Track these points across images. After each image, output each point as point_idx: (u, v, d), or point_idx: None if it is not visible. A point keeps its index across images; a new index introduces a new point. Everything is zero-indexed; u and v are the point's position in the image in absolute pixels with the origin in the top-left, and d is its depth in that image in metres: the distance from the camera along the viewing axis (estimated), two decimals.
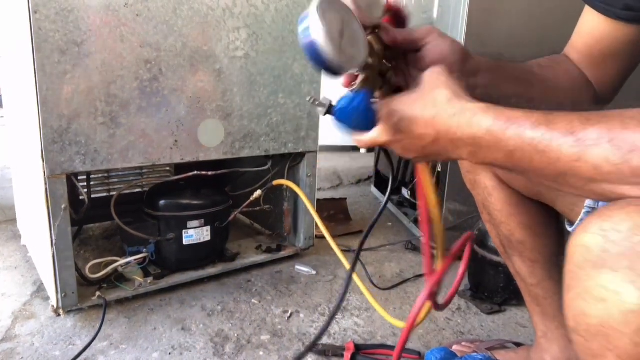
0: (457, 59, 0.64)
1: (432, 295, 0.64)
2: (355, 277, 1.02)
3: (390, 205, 2.08)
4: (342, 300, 0.61)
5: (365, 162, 3.03)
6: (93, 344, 1.06)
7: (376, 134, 0.59)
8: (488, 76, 0.70)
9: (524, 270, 0.91)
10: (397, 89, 0.62)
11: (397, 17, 0.66)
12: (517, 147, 0.48)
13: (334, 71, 0.55)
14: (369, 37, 0.60)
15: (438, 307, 0.66)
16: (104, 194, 1.51)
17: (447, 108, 0.53)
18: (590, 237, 0.45)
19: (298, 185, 1.45)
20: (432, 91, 0.55)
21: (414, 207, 1.91)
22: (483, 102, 0.52)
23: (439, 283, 0.65)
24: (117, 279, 1.27)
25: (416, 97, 0.56)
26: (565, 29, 0.80)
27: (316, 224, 1.56)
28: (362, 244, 0.70)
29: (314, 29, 0.52)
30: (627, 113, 0.43)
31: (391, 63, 0.63)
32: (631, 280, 0.41)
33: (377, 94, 0.62)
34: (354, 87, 0.59)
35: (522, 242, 0.89)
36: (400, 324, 0.83)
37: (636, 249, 0.41)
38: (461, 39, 1.40)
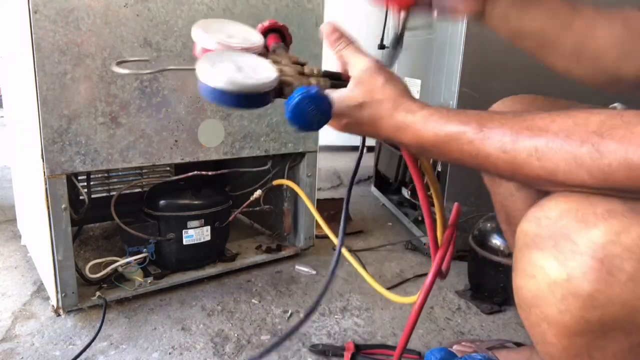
0: None
1: (440, 272, 0.68)
2: (364, 273, 1.02)
3: (390, 205, 2.08)
4: (323, 294, 0.61)
5: (365, 162, 3.03)
6: (93, 344, 1.07)
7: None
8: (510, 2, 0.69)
9: None
10: (331, 77, 0.62)
11: (280, 32, 0.67)
12: (460, 158, 0.54)
13: (258, 100, 0.56)
14: (269, 58, 0.61)
15: (443, 276, 0.71)
16: (104, 194, 1.51)
17: (391, 120, 0.56)
18: (527, 224, 0.52)
19: (298, 185, 1.45)
20: (375, 93, 0.57)
21: (414, 207, 1.91)
22: (425, 110, 0.55)
23: (444, 257, 0.68)
24: (117, 279, 1.27)
25: (359, 99, 0.57)
26: None
27: (316, 224, 1.56)
28: (340, 243, 0.69)
29: (208, 79, 0.52)
30: (552, 126, 0.48)
31: (301, 63, 0.63)
32: (554, 256, 0.48)
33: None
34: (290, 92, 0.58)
35: None
36: (409, 300, 0.83)
37: (560, 231, 0.48)
38: (460, 40, 1.40)
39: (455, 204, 0.75)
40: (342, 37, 0.61)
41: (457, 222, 0.72)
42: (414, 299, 0.73)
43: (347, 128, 0.59)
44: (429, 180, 0.71)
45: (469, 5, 0.71)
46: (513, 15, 0.69)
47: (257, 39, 0.63)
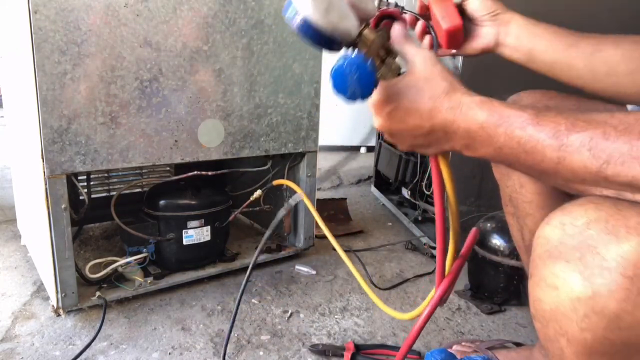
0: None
1: (443, 300, 0.66)
2: (357, 275, 1.01)
3: (390, 205, 2.08)
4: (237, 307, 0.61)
5: (365, 162, 3.03)
6: (93, 344, 1.07)
7: (373, 118, 0.59)
8: (522, 28, 0.75)
9: None
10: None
11: (395, 20, 0.65)
12: (505, 144, 0.50)
13: (329, 43, 0.54)
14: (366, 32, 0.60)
15: (443, 302, 0.68)
16: (104, 194, 1.51)
17: (444, 101, 0.54)
18: (551, 230, 0.48)
19: (298, 185, 1.45)
20: (429, 82, 0.55)
21: (414, 207, 1.91)
22: (478, 96, 0.53)
23: (451, 287, 0.66)
24: (117, 279, 1.27)
25: (412, 86, 0.55)
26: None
27: (316, 224, 1.56)
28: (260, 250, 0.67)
29: (300, 5, 0.52)
30: (611, 120, 0.45)
31: (391, 52, 0.62)
32: (580, 270, 0.45)
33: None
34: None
35: None
36: (404, 317, 0.82)
37: (587, 242, 0.45)
38: None
39: (474, 229, 0.70)
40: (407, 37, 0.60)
41: (469, 252, 0.68)
42: (415, 314, 0.74)
43: (389, 118, 0.56)
44: (450, 200, 0.64)
45: (483, 44, 0.79)
46: (524, 45, 0.76)
47: (371, 7, 0.62)
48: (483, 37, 0.78)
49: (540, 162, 0.48)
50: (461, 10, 0.78)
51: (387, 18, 0.65)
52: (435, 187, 0.63)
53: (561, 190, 0.86)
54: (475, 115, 0.52)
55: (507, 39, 0.77)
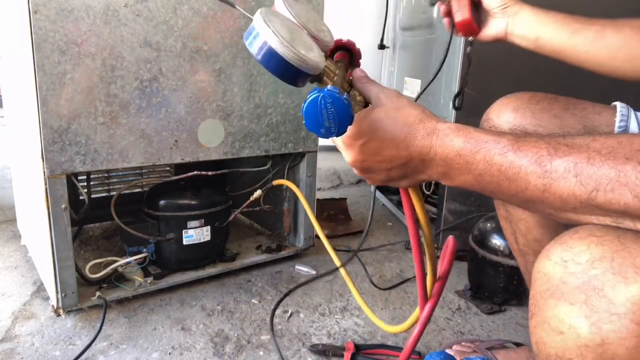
0: None
1: (429, 319, 0.66)
2: (347, 279, 1.01)
3: (390, 205, 2.08)
4: None
5: None
6: (93, 344, 1.06)
7: (343, 154, 0.57)
8: (529, 19, 0.82)
9: None
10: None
11: (350, 53, 0.67)
12: (485, 171, 0.49)
13: (295, 76, 0.52)
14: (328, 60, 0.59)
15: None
16: (104, 194, 1.51)
17: (419, 128, 0.53)
18: (551, 266, 0.45)
19: (298, 185, 1.45)
20: (400, 110, 0.54)
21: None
22: (453, 123, 0.52)
23: (434, 306, 0.66)
24: (117, 279, 1.27)
25: (384, 116, 0.54)
26: None
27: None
28: None
29: (264, 33, 0.50)
30: (594, 144, 0.44)
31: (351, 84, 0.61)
32: (586, 314, 0.41)
33: None
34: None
35: (539, 240, 0.88)
36: (390, 329, 0.85)
37: (592, 283, 0.41)
38: (460, 40, 1.40)
39: (449, 239, 0.66)
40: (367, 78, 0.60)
41: (449, 270, 0.65)
42: (401, 329, 0.76)
43: (363, 151, 0.55)
44: (423, 228, 0.64)
45: (495, 33, 0.88)
46: (531, 33, 0.83)
47: (329, 38, 0.62)
48: (495, 27, 0.87)
49: (525, 189, 0.47)
50: (476, 2, 0.87)
51: (342, 49, 0.66)
52: (407, 217, 0.62)
53: None
54: (451, 142, 0.51)
55: (516, 28, 0.84)
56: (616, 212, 0.43)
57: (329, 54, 0.64)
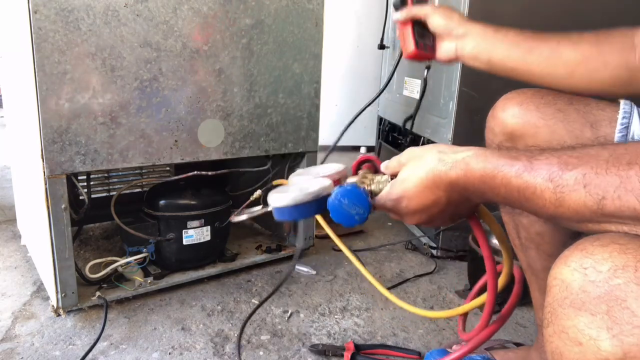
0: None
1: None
2: (366, 273, 1.02)
3: None
4: None
5: None
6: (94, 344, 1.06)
7: (404, 222, 0.62)
8: (477, 40, 0.82)
9: (538, 264, 0.91)
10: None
11: (372, 162, 0.72)
12: (508, 194, 0.51)
13: (311, 208, 0.59)
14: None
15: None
16: (104, 194, 1.51)
17: (440, 167, 0.56)
18: (569, 273, 0.43)
19: None
20: (420, 159, 0.58)
21: None
22: (470, 151, 0.54)
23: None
24: (117, 279, 1.27)
25: (406, 175, 0.58)
26: (567, 29, 0.79)
27: (316, 224, 1.56)
28: None
29: (270, 204, 0.60)
30: (602, 152, 0.45)
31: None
32: (608, 326, 0.40)
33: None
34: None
35: (541, 234, 0.89)
36: (428, 314, 0.89)
37: (614, 293, 0.40)
38: None
39: (516, 272, 0.70)
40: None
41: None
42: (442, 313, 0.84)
43: (411, 212, 0.59)
44: (504, 260, 0.70)
45: (446, 56, 0.87)
46: (482, 54, 0.83)
47: (337, 165, 0.70)
48: (445, 50, 0.87)
49: (543, 207, 0.47)
50: (424, 27, 0.87)
51: (366, 162, 0.72)
52: (482, 247, 0.70)
53: None
54: (471, 171, 0.53)
55: (465, 51, 0.84)
56: (628, 218, 0.42)
57: (355, 169, 0.71)
